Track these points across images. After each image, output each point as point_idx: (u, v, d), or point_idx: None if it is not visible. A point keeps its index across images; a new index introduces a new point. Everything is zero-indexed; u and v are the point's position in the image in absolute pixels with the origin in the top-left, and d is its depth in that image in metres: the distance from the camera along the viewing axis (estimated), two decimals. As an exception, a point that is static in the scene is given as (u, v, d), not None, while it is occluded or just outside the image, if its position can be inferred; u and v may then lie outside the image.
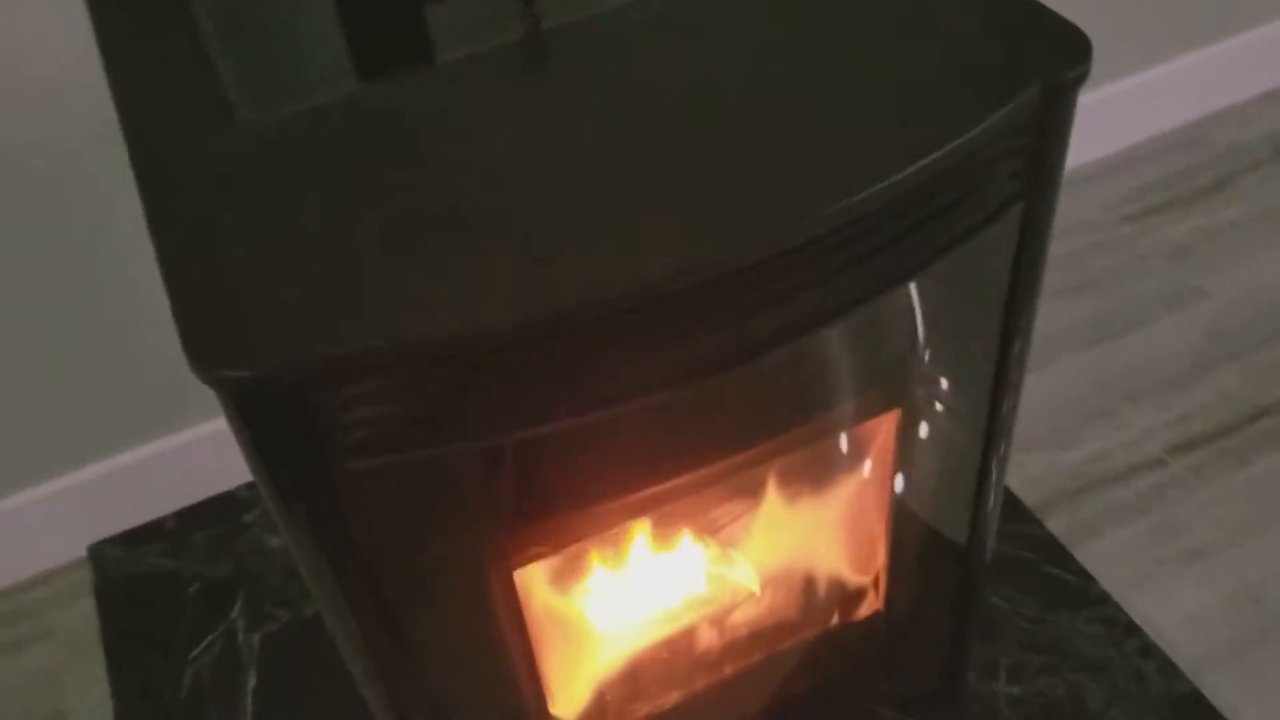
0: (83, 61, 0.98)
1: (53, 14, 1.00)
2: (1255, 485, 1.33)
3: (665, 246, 0.57)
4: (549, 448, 0.64)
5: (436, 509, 0.65)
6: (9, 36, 1.02)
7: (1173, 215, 1.65)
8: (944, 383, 0.78)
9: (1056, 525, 1.30)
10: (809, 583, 0.88)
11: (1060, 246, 1.61)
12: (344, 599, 0.66)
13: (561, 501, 0.67)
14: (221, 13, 0.75)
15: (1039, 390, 1.44)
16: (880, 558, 0.86)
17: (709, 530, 0.84)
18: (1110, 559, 1.27)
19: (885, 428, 0.78)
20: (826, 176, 0.59)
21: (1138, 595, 1.23)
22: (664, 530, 0.82)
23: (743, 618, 0.87)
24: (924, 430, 0.79)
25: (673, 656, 0.86)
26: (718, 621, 0.87)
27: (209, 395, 0.55)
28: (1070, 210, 1.66)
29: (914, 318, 0.73)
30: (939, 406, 0.79)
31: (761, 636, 0.88)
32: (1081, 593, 1.24)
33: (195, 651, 1.25)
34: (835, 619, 0.90)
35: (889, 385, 0.75)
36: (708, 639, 0.86)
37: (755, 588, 0.87)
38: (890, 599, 0.88)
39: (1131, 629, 1.20)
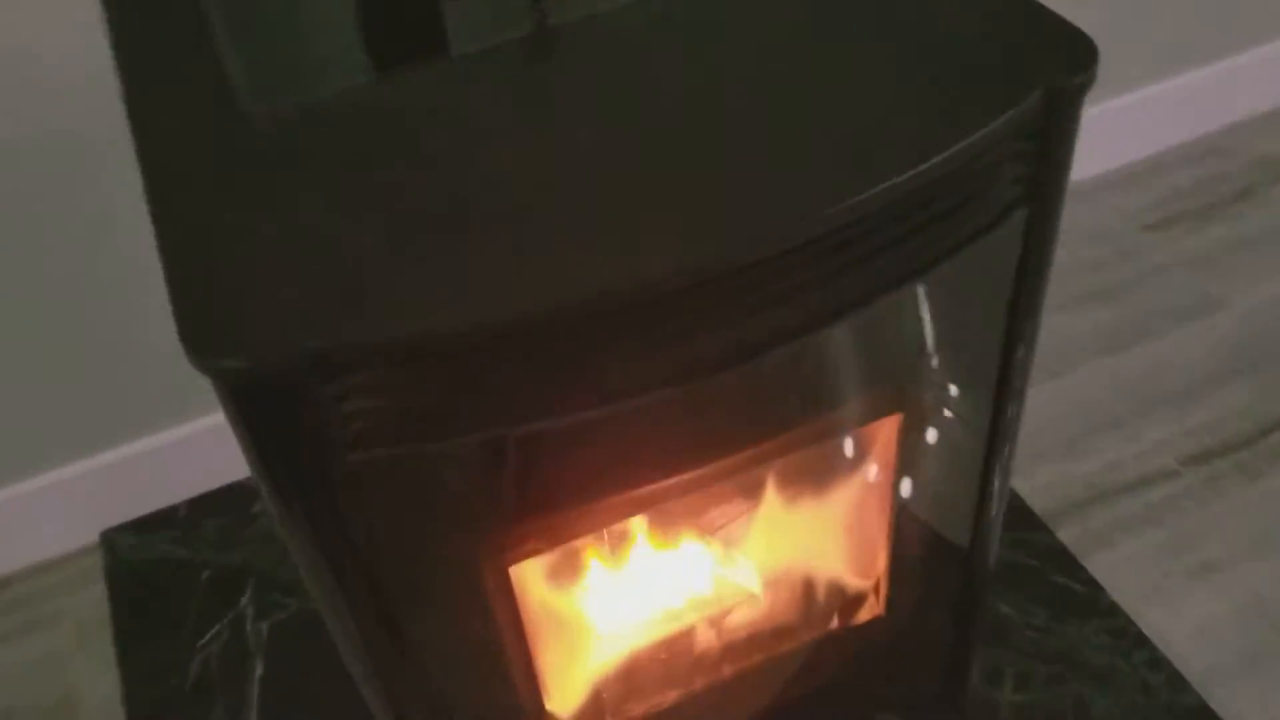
0: (88, 57, 1.00)
1: (66, 9, 1.01)
2: (1269, 498, 1.31)
3: (663, 245, 0.57)
4: (544, 444, 0.64)
5: (433, 503, 0.66)
6: (22, 31, 1.03)
7: (1194, 225, 1.64)
8: (947, 388, 0.78)
9: (1067, 534, 1.30)
10: (809, 585, 0.87)
11: (1080, 254, 1.60)
12: (340, 593, 0.66)
13: (556, 498, 0.67)
14: (231, 7, 0.75)
15: (1054, 398, 1.44)
16: (881, 562, 0.86)
17: (708, 530, 0.84)
18: (1120, 569, 1.26)
19: (887, 432, 0.77)
20: (826, 178, 0.59)
21: (1147, 606, 1.22)
22: (662, 529, 0.82)
23: (741, 619, 0.87)
24: (926, 435, 0.79)
25: (670, 656, 0.86)
26: (716, 622, 0.87)
27: (221, 385, 0.55)
28: (1091, 218, 1.65)
29: (917, 322, 0.73)
30: (942, 411, 0.79)
31: (760, 639, 0.88)
32: (1090, 603, 1.23)
33: (204, 639, 1.26)
34: (835, 623, 0.90)
35: (891, 389, 0.74)
36: (706, 640, 0.86)
37: (754, 589, 0.87)
38: (891, 604, 0.88)
39: (1140, 640, 1.20)
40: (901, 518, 0.83)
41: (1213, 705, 1.14)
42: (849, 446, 0.80)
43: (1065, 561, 1.27)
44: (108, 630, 1.28)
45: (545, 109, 0.66)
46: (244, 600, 1.29)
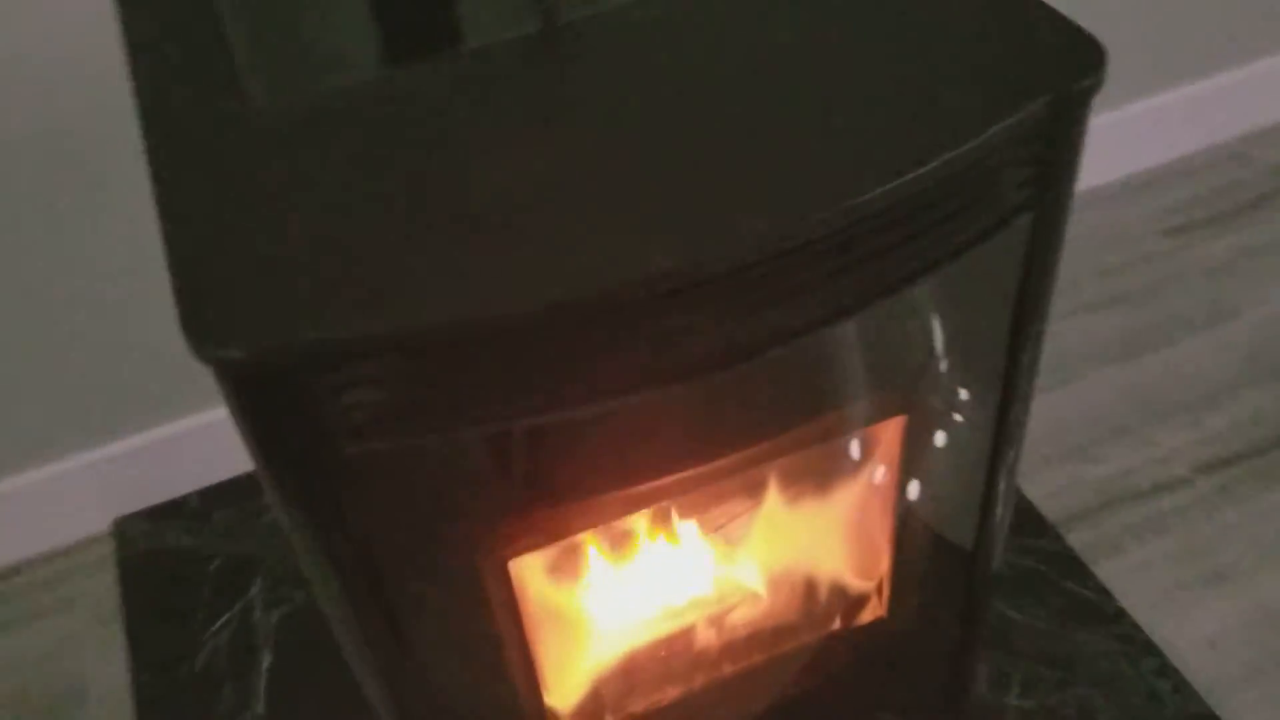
0: (95, 49, 1.01)
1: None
2: (1282, 508, 1.31)
3: (661, 242, 0.57)
4: (544, 438, 0.64)
5: (432, 496, 0.66)
6: (28, 24, 1.04)
7: (1213, 232, 1.63)
8: (952, 391, 0.78)
9: (1077, 540, 1.29)
10: (810, 585, 0.87)
11: (1098, 259, 1.59)
12: (340, 585, 0.66)
13: (556, 493, 0.68)
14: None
15: (1067, 403, 1.43)
16: (884, 563, 0.85)
17: (709, 528, 0.84)
18: (1131, 577, 1.26)
19: (891, 433, 0.77)
20: (829, 178, 0.59)
21: (1157, 614, 1.22)
22: (663, 526, 0.82)
23: (742, 618, 0.87)
24: (931, 437, 0.79)
25: (671, 654, 0.86)
26: (717, 621, 0.87)
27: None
28: (1109, 223, 1.64)
29: (922, 324, 0.73)
30: (947, 414, 0.79)
31: (761, 638, 0.88)
32: (1099, 609, 1.23)
33: (213, 627, 1.27)
34: (837, 623, 0.89)
35: (895, 391, 0.74)
36: (706, 638, 0.86)
37: (755, 588, 0.87)
38: (894, 606, 0.88)
39: (1149, 648, 1.19)
40: (905, 520, 0.82)
41: (1221, 715, 1.13)
42: (852, 447, 0.80)
43: (1075, 567, 1.27)
44: (118, 617, 1.29)
45: (550, 106, 0.66)
46: (253, 591, 1.30)
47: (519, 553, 0.70)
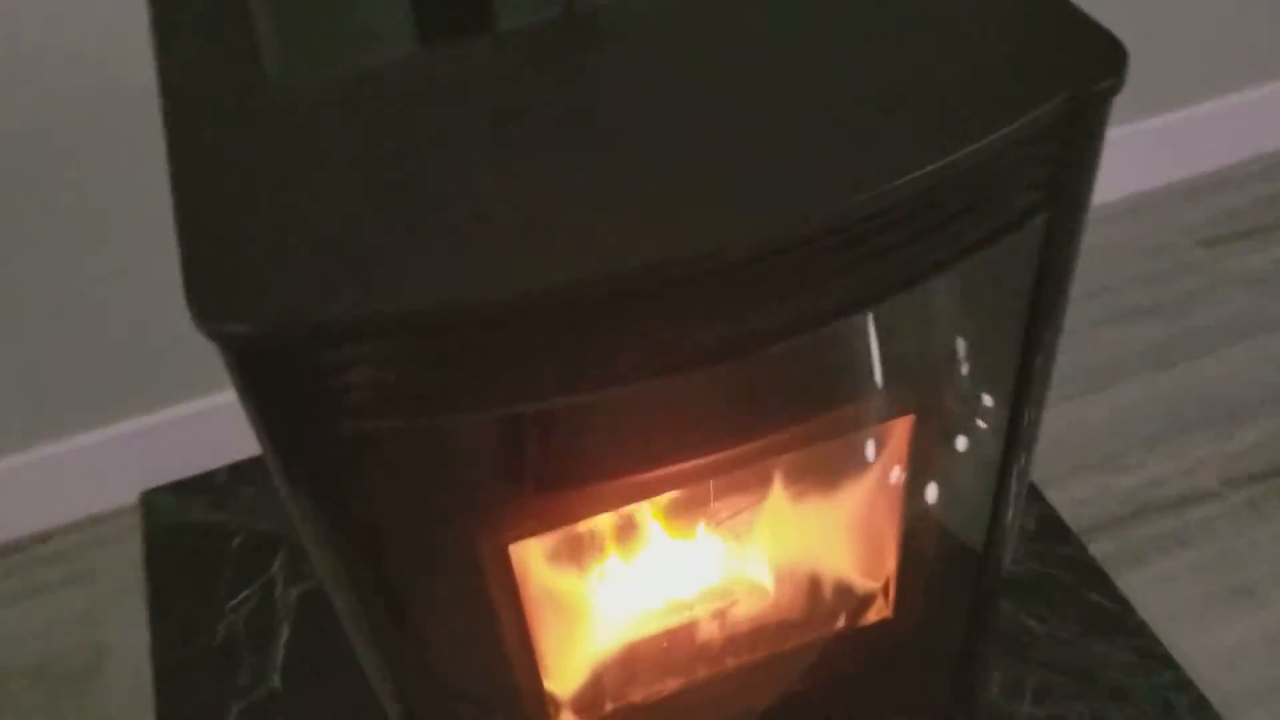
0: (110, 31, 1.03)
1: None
2: (1312, 526, 1.29)
3: (668, 230, 0.57)
4: (546, 424, 0.65)
5: (433, 478, 0.66)
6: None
7: (1252, 244, 1.60)
8: (962, 393, 0.77)
9: (1100, 550, 1.28)
10: (815, 583, 0.87)
11: (1135, 267, 1.58)
12: (340, 563, 0.67)
13: (557, 479, 0.68)
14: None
15: (1098, 411, 1.42)
16: (891, 564, 0.85)
17: (713, 521, 0.84)
18: (1153, 589, 1.24)
19: (899, 433, 0.77)
20: (839, 170, 0.59)
21: (1177, 628, 1.20)
22: (666, 517, 0.82)
23: (745, 612, 0.87)
24: (940, 439, 0.78)
25: (672, 645, 0.86)
26: (719, 614, 0.86)
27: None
28: (1148, 232, 1.62)
29: (934, 324, 0.72)
30: (956, 416, 0.78)
31: (764, 634, 0.88)
32: (1119, 620, 1.21)
33: (234, 602, 1.29)
34: (842, 622, 0.89)
35: (902, 390, 0.74)
36: (708, 631, 0.86)
37: (757, 582, 0.87)
38: (900, 607, 0.87)
39: (1167, 661, 1.17)
40: (913, 521, 0.82)
41: (1237, 732, 1.12)
42: (858, 445, 0.79)
43: (1096, 577, 1.25)
44: (142, 588, 1.31)
45: (570, 91, 0.66)
46: (275, 567, 1.32)
47: (519, 537, 0.70)
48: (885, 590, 0.88)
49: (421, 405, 0.61)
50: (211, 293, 0.56)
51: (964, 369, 0.75)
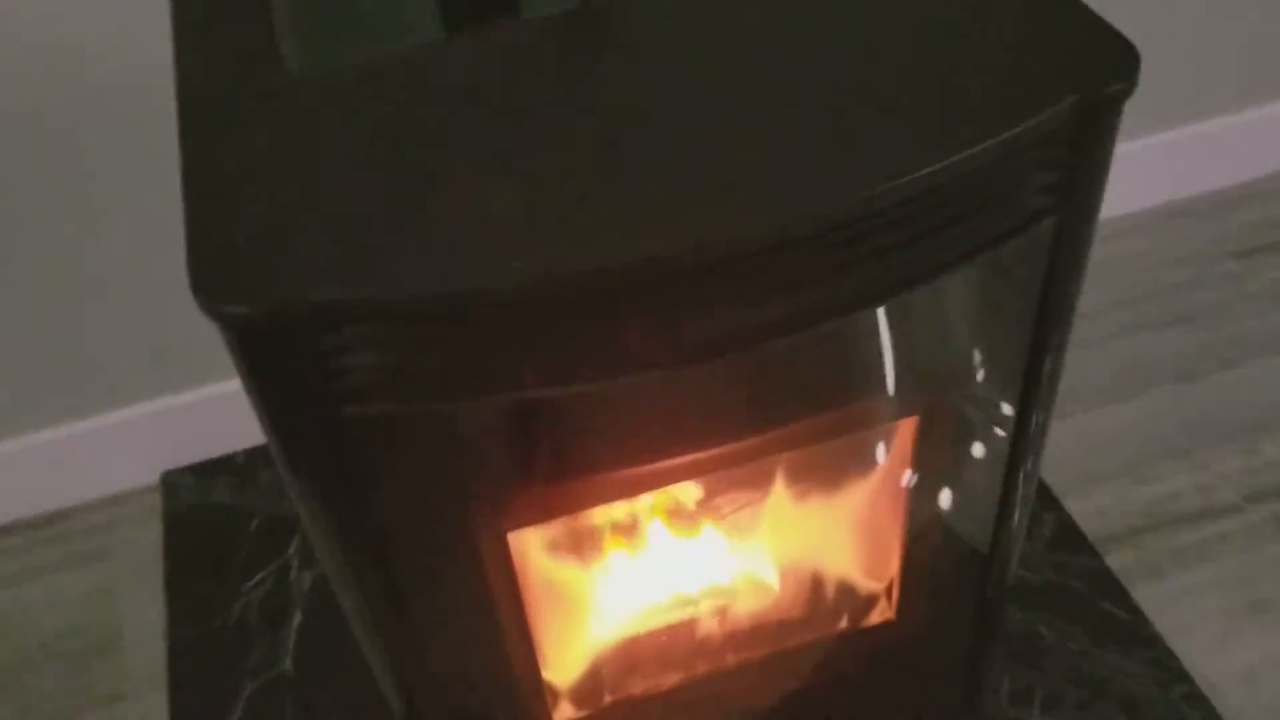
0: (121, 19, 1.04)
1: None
2: (1332, 543, 1.27)
3: (673, 221, 0.57)
4: (545, 413, 0.65)
5: (432, 464, 0.67)
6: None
7: (1284, 257, 1.58)
8: (969, 396, 0.77)
9: (1117, 561, 1.26)
10: (816, 582, 0.87)
11: (1164, 278, 1.56)
12: (338, 546, 0.67)
13: (557, 469, 0.68)
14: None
15: (1120, 421, 1.40)
16: (894, 565, 0.85)
17: (714, 516, 0.84)
18: (1169, 601, 1.23)
19: (903, 434, 0.76)
20: (843, 168, 0.59)
21: (1192, 641, 1.19)
22: (667, 511, 0.82)
23: (745, 609, 0.87)
24: (945, 441, 0.78)
25: (672, 639, 0.86)
26: (720, 610, 0.86)
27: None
28: (1178, 242, 1.61)
29: (940, 326, 0.72)
30: (962, 418, 0.78)
31: (764, 631, 0.88)
32: (1133, 632, 1.20)
33: (249, 583, 1.30)
34: (843, 623, 0.89)
35: (907, 391, 0.73)
36: (709, 626, 0.86)
37: (759, 579, 0.87)
38: (903, 609, 0.87)
39: (1180, 675, 1.16)
40: (917, 522, 0.81)
41: (1249, 748, 1.10)
42: (860, 445, 0.79)
43: (1112, 588, 1.24)
44: (159, 567, 1.32)
45: (579, 85, 0.66)
46: (290, 550, 1.33)
47: (518, 526, 0.70)
48: (888, 592, 0.87)
49: (422, 390, 0.61)
50: (214, 273, 0.56)
51: (971, 371, 0.75)
